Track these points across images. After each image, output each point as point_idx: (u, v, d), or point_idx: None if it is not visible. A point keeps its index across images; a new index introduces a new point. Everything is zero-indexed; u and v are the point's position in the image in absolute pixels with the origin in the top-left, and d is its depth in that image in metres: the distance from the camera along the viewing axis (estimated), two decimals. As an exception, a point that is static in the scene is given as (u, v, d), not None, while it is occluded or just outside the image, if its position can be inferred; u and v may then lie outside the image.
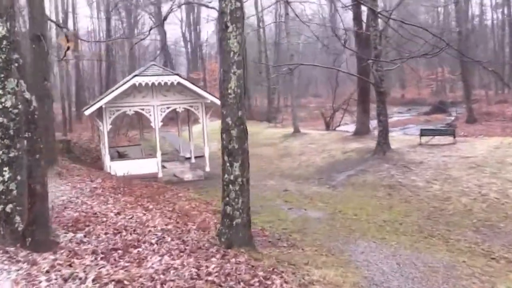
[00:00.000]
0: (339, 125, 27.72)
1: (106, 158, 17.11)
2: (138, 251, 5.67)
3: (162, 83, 16.79)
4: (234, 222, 6.27)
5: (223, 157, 6.46)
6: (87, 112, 16.65)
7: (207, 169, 18.61)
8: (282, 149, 22.20)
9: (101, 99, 16.84)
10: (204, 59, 54.46)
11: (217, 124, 36.45)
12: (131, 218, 7.41)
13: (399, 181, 14.48)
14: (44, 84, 10.91)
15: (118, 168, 17.22)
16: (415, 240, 9.19)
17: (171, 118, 43.69)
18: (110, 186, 10.33)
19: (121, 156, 20.89)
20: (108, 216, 7.30)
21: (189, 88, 17.51)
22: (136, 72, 17.61)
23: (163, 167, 21.21)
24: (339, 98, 29.73)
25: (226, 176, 6.34)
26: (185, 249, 5.95)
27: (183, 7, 56.65)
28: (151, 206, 9.10)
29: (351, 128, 25.37)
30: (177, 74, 17.24)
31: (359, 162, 17.17)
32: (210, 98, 17.84)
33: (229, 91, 6.05)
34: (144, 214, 7.88)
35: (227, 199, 6.30)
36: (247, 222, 6.41)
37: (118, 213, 7.60)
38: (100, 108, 16.83)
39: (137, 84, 16.49)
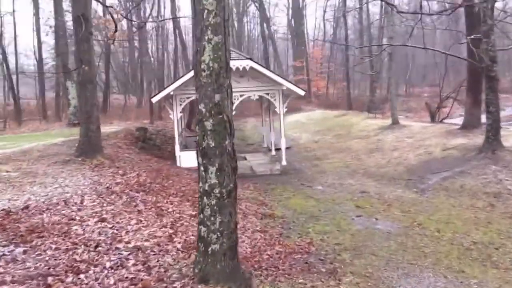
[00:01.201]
0: (446, 117, 24.11)
1: (176, 148, 16.30)
2: (79, 278, 4.33)
3: (234, 68, 15.41)
4: (209, 249, 4.54)
5: (197, 158, 4.76)
6: (154, 99, 15.96)
7: (284, 163, 16.97)
8: (374, 143, 19.67)
9: (168, 86, 16.00)
10: (306, 46, 52.32)
11: (315, 113, 34.69)
12: (112, 227, 6.13)
13: (509, 189, 11.49)
14: (82, 68, 10.21)
15: (187, 158, 16.34)
16: (510, 278, 6.65)
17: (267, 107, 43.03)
18: (139, 182, 9.22)
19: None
20: (83, 224, 6.09)
21: (264, 74, 15.94)
22: None
23: (244, 158, 20.12)
24: (450, 86, 25.81)
25: (200, 185, 4.63)
26: (141, 279, 4.45)
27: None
28: (172, 208, 7.75)
29: (461, 120, 21.80)
30: (250, 58, 15.75)
31: (460, 161, 14.22)
32: (287, 84, 16.12)
33: (202, 66, 4.34)
34: (139, 222, 6.55)
35: (201, 216, 4.61)
36: (229, 249, 4.57)
37: (102, 220, 6.37)
38: (170, 96, 16.05)
39: (206, 69, 15.33)
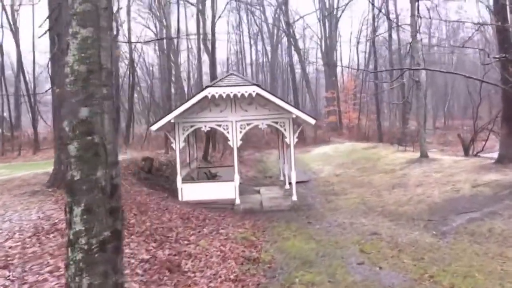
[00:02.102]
0: (482, 150, 22.03)
1: (178, 179, 15.19)
2: None
3: (238, 95, 14.37)
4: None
5: (66, 195, 3.52)
6: (154, 128, 15.00)
7: (294, 198, 15.51)
8: (399, 177, 17.95)
9: (169, 113, 15.05)
10: (337, 77, 51.09)
11: (344, 146, 33.09)
12: (7, 277, 4.99)
13: (546, 235, 9.67)
14: (53, 90, 9.40)
15: (190, 192, 15.25)
16: None
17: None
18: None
19: (209, 178, 19.01)
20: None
21: (271, 101, 14.77)
22: (211, 83, 15.50)
23: (257, 192, 18.86)
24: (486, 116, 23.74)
25: (67, 231, 3.36)
26: None
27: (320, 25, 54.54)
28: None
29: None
30: (256, 84, 14.64)
31: (491, 200, 12.41)
32: (296, 112, 14.85)
33: (66, 70, 3.21)
34: (57, 269, 5.37)
35: (67, 275, 3.33)
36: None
37: (4, 267, 5.24)
38: (173, 124, 15.09)
39: (209, 96, 14.34)
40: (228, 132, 15.21)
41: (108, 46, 3.31)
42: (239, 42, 63.74)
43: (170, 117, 14.60)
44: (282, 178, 20.72)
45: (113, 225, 3.28)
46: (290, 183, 20.66)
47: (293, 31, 53.57)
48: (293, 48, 57.20)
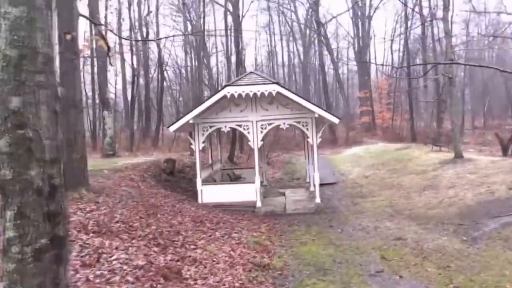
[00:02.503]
0: (523, 150, 20.74)
1: (198, 181, 14.87)
2: None
3: (258, 94, 13.92)
4: None
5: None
6: (171, 128, 14.74)
7: (317, 200, 14.90)
8: (430, 179, 17.03)
9: (187, 113, 14.75)
10: (371, 76, 49.83)
11: (376, 146, 32.09)
12: None
13: None
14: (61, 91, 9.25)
15: (210, 194, 14.90)
16: None
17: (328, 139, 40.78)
18: (104, 221, 7.78)
19: (233, 179, 18.63)
20: None
21: (293, 100, 14.24)
22: (230, 82, 15.09)
23: (282, 194, 18.35)
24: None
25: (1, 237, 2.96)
26: None
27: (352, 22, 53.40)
28: (107, 257, 6.18)
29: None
30: (276, 83, 14.14)
31: (529, 203, 11.47)
32: (318, 111, 14.23)
33: (-4, 55, 2.83)
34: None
35: (1, 286, 2.92)
36: None
37: None
38: (192, 125, 14.79)
39: (228, 95, 13.96)
40: (248, 133, 14.78)
41: (46, 28, 2.93)
42: (270, 43, 63.30)
43: (188, 117, 14.31)
44: (308, 180, 20.12)
45: (53, 231, 2.88)
46: (321, 185, 20.17)
47: (325, 31, 52.72)
48: (325, 48, 56.49)
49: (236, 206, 14.63)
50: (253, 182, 14.90)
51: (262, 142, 15.16)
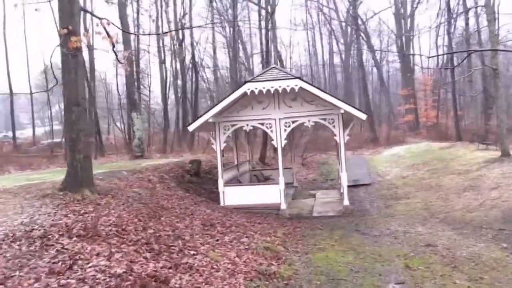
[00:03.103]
0: None
1: (220, 183, 14.27)
2: None
3: (280, 89, 13.17)
4: None
5: None
6: (190, 128, 14.19)
7: (346, 202, 13.97)
8: (472, 179, 15.64)
9: (206, 112, 14.17)
10: (414, 73, 47.66)
11: (419, 146, 30.47)
12: None
13: None
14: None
15: (232, 195, 14.28)
16: None
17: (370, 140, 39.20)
18: (100, 224, 7.26)
19: (261, 181, 17.94)
20: None
21: (317, 95, 13.38)
22: (250, 78, 14.36)
23: (313, 196, 17.52)
24: None
25: None
26: None
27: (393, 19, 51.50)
28: (83, 263, 5.60)
29: None
30: (298, 78, 13.30)
31: None
32: (344, 107, 13.29)
33: None
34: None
35: None
36: None
37: None
38: (212, 124, 14.23)
39: (248, 92, 13.29)
40: (271, 131, 14.05)
41: None
42: (310, 42, 62.19)
43: (207, 116, 13.74)
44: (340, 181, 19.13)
45: None
46: (354, 186, 19.15)
47: (365, 28, 51.16)
48: (365, 46, 54.79)
49: (260, 209, 13.95)
50: (277, 183, 14.14)
51: (286, 141, 14.34)
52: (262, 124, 14.14)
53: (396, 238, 10.20)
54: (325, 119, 13.93)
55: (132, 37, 28.10)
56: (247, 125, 14.22)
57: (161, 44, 36.27)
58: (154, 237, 7.59)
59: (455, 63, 28.34)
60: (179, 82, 37.32)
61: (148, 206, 9.77)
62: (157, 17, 35.10)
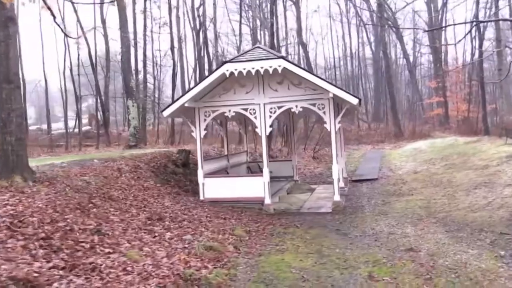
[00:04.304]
0: None
1: (199, 173, 13.06)
2: None
3: (261, 70, 11.79)
4: None
5: None
6: (165, 113, 12.98)
7: (336, 198, 12.48)
8: (488, 175, 13.81)
9: (182, 96, 12.91)
10: (444, 63, 44.86)
11: (445, 140, 28.36)
12: None
13: None
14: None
15: (213, 187, 13.03)
16: None
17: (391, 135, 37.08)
18: (13, 215, 6.20)
19: (254, 173, 16.60)
20: None
21: (304, 77, 11.92)
22: (231, 58, 12.97)
23: (310, 190, 16.10)
24: None
25: None
26: None
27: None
28: None
29: None
30: (282, 57, 11.86)
31: None
32: (333, 90, 11.75)
33: None
34: None
35: None
36: None
37: None
38: (192, 109, 13.02)
39: (227, 73, 11.96)
40: (255, 117, 12.68)
41: None
42: (339, 33, 60.03)
43: (183, 100, 12.47)
44: (344, 175, 17.60)
45: None
46: (351, 180, 17.59)
47: (394, 18, 48.68)
48: (394, 36, 52.35)
49: (242, 203, 12.67)
50: (261, 175, 12.79)
51: (271, 129, 12.98)
52: (246, 109, 12.78)
53: (376, 240, 8.70)
54: (314, 104, 12.43)
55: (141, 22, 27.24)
56: (229, 111, 12.89)
57: (179, 31, 35.13)
58: (62, 231, 6.42)
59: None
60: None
61: (88, 196, 8.63)
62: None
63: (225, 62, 12.22)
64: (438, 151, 23.46)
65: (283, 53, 50.32)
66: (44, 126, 38.64)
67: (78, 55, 31.63)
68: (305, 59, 46.03)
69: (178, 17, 35.37)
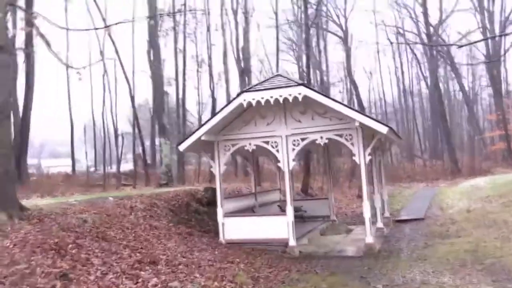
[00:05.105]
0: None
1: (219, 212, 12.11)
2: None
3: (280, 99, 10.90)
4: None
5: None
6: (181, 147, 12.21)
7: (368, 240, 11.08)
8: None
9: (198, 128, 12.14)
10: (505, 94, 41.85)
11: (508, 176, 25.81)
12: None
13: None
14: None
15: (233, 228, 12.01)
16: None
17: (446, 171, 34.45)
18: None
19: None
20: None
21: (327, 105, 10.86)
22: (248, 87, 12.12)
23: (347, 231, 14.69)
24: None
25: None
26: None
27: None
28: None
29: None
30: (302, 84, 10.89)
31: None
32: (359, 118, 10.56)
33: None
34: None
35: None
36: None
37: None
38: (212, 143, 12.24)
39: (244, 103, 11.14)
40: (277, 151, 11.67)
41: None
42: (392, 69, 58.32)
43: (200, 133, 11.72)
44: (387, 215, 16.02)
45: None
46: (396, 221, 15.98)
47: (448, 50, 46.55)
48: (449, 68, 49.97)
49: (264, 245, 11.55)
50: (284, 215, 11.62)
51: (294, 163, 11.91)
52: (267, 142, 11.82)
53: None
54: (341, 135, 11.26)
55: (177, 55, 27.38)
56: (250, 144, 11.98)
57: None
58: (19, 274, 5.63)
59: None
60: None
61: (76, 235, 7.88)
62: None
63: (243, 91, 11.44)
64: (497, 188, 21.15)
65: (334, 93, 49.41)
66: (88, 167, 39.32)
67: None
68: (355, 96, 44.83)
69: (225, 56, 35.34)
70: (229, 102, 11.99)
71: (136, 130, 25.97)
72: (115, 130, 31.80)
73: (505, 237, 10.83)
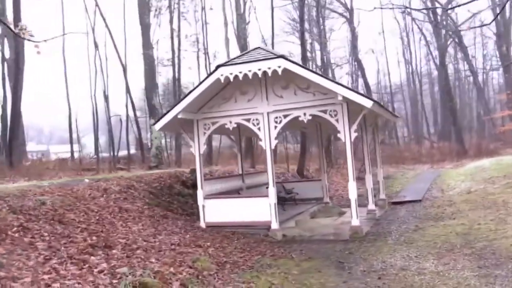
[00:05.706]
0: None
1: (199, 194, 11.47)
2: None
3: (259, 73, 10.12)
4: None
5: None
6: (157, 126, 11.56)
7: (354, 223, 10.42)
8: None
9: (174, 106, 11.43)
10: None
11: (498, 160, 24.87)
12: None
13: None
14: None
15: (215, 210, 11.38)
16: None
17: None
18: None
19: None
20: None
21: (312, 80, 10.07)
22: (225, 61, 11.33)
23: (340, 214, 14.07)
24: None
25: None
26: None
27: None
28: None
29: None
30: (281, 56, 10.11)
31: None
32: (343, 92, 9.77)
33: None
34: None
35: None
36: None
37: None
38: (190, 122, 11.56)
39: (221, 78, 10.40)
40: (259, 129, 10.96)
41: None
42: (399, 50, 56.85)
43: (175, 111, 10.99)
44: (382, 197, 15.33)
45: None
46: (392, 203, 15.30)
47: (456, 28, 45.08)
48: (458, 48, 48.47)
49: (246, 228, 10.92)
50: (266, 196, 10.95)
51: (276, 141, 11.22)
52: (248, 120, 11.09)
53: (379, 279, 6.63)
54: (325, 111, 10.49)
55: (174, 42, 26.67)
56: (230, 122, 11.27)
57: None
58: None
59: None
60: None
61: (27, 218, 7.31)
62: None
63: (219, 65, 10.68)
64: (502, 169, 20.25)
65: (340, 75, 48.31)
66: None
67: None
68: (362, 77, 43.71)
69: (227, 39, 34.34)
70: (206, 77, 11.25)
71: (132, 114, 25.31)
72: (108, 114, 31.14)
73: (501, 219, 10.06)
